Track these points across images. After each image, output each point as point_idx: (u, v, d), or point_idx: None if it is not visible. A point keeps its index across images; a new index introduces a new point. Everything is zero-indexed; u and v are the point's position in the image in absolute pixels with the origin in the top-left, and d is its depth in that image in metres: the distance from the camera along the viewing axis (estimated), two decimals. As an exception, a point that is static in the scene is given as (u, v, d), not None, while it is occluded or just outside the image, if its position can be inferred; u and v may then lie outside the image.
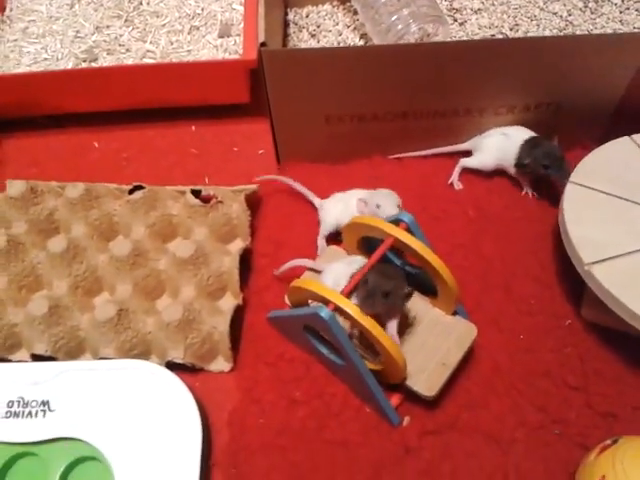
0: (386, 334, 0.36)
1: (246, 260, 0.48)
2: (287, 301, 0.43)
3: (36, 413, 0.41)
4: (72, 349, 0.44)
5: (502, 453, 0.39)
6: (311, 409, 0.41)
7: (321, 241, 0.47)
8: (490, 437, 0.39)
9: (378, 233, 0.40)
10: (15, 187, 0.50)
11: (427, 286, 0.42)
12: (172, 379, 0.42)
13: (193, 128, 0.58)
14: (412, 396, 0.40)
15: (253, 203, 0.51)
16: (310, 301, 0.41)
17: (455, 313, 0.42)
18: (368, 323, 0.36)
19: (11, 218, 0.50)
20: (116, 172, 0.54)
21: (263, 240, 0.49)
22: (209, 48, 0.59)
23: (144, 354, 0.44)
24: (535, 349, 0.42)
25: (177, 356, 0.43)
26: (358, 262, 0.41)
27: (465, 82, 0.48)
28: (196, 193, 0.49)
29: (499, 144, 0.50)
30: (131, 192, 0.51)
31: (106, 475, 0.40)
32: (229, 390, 0.43)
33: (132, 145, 0.57)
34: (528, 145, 0.49)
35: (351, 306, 0.36)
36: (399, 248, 0.40)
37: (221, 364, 0.44)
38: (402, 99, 0.49)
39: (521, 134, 0.50)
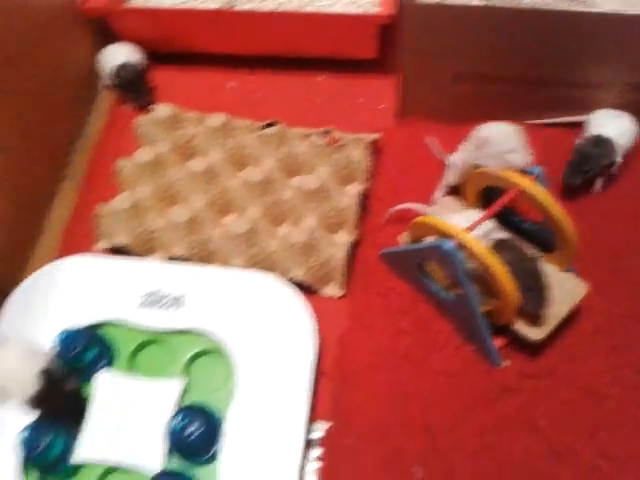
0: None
1: (363, 202, 0.52)
2: (402, 240, 0.47)
3: (170, 305, 0.47)
4: (204, 257, 0.49)
5: (596, 406, 0.41)
6: (416, 340, 0.44)
7: (440, 192, 0.50)
8: (586, 389, 0.41)
9: (505, 183, 0.42)
10: (162, 110, 0.56)
11: (542, 243, 0.44)
12: (293, 292, 0.46)
13: (321, 78, 0.62)
14: (514, 343, 0.43)
15: (374, 151, 0.54)
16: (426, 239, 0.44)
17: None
18: (490, 259, 0.38)
19: (156, 138, 0.55)
20: (249, 111, 0.59)
21: (381, 185, 0.52)
22: (344, 3, 0.63)
23: (268, 270, 0.48)
24: (638, 316, 0.44)
25: (297, 275, 0.48)
26: (474, 215, 0.43)
27: (595, 55, 0.48)
28: (323, 134, 0.53)
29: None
30: (264, 128, 0.55)
31: (226, 369, 0.45)
32: (339, 315, 0.47)
33: (264, 88, 0.61)
34: None
35: (475, 242, 0.39)
36: (519, 201, 0.43)
37: (334, 289, 0.48)
38: (529, 64, 0.50)
39: None
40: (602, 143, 0.48)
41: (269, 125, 0.55)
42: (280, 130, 0.54)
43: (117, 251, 0.51)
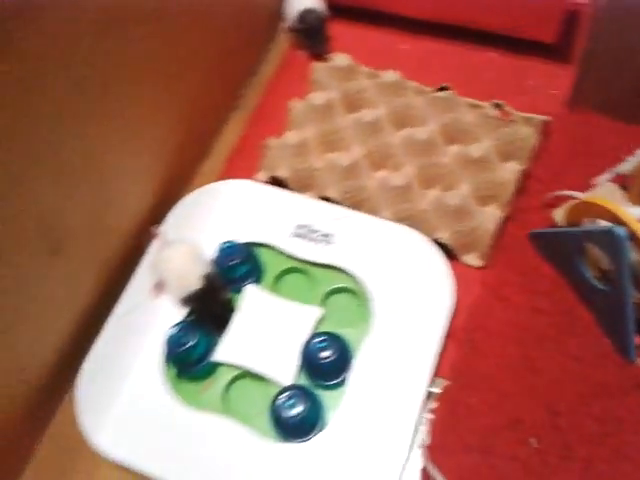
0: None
1: (520, 180, 0.52)
2: (556, 216, 0.47)
3: (319, 240, 0.50)
4: (355, 203, 0.52)
5: None
6: (554, 322, 0.45)
7: (607, 175, 0.49)
8: None
9: None
10: (339, 60, 0.59)
11: None
12: (437, 251, 0.49)
13: (493, 54, 0.62)
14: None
15: (541, 133, 0.54)
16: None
17: None
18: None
19: (329, 85, 0.58)
20: (416, 75, 0.60)
21: (541, 167, 0.52)
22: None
23: (414, 227, 0.50)
24: None
25: (443, 237, 0.49)
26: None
27: None
28: (495, 106, 0.54)
29: None
30: (436, 91, 0.56)
31: (362, 309, 0.48)
32: (474, 284, 0.48)
33: (434, 55, 0.62)
34: None
35: None
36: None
37: (474, 259, 0.50)
38: None
39: None
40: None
41: (441, 89, 0.56)
42: (450, 96, 0.55)
43: (275, 183, 0.55)
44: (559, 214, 0.48)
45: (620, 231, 0.38)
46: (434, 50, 0.63)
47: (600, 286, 0.43)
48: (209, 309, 0.48)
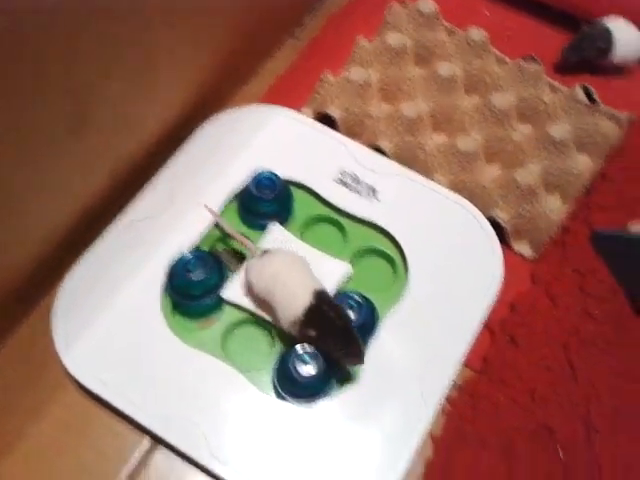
0: None
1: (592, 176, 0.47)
2: (633, 228, 0.42)
3: (362, 193, 0.45)
4: (409, 160, 0.46)
5: None
6: (603, 330, 0.41)
7: None
8: None
9: None
10: (424, 5, 0.53)
11: None
12: (490, 231, 0.43)
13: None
14: None
15: (625, 131, 0.49)
16: None
17: None
18: None
19: (404, 30, 0.53)
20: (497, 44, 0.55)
21: (616, 167, 0.47)
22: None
23: (471, 200, 0.44)
24: None
25: (501, 216, 0.44)
26: None
27: None
28: (584, 90, 0.49)
29: None
30: (524, 59, 0.51)
31: (395, 274, 0.43)
32: (521, 277, 0.44)
33: (516, 29, 0.57)
34: None
35: None
36: None
37: (527, 249, 0.45)
38: None
39: None
40: (603, 31, 0.52)
41: (532, 59, 0.51)
42: (536, 70, 0.50)
43: (321, 122, 0.49)
44: (637, 227, 0.43)
45: None
46: (516, 24, 0.57)
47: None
48: (330, 328, 0.37)
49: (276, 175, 0.43)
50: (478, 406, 0.38)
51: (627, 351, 0.40)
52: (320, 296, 0.37)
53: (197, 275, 0.40)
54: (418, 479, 0.37)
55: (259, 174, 0.43)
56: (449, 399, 0.39)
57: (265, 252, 0.39)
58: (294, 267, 0.38)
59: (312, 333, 0.36)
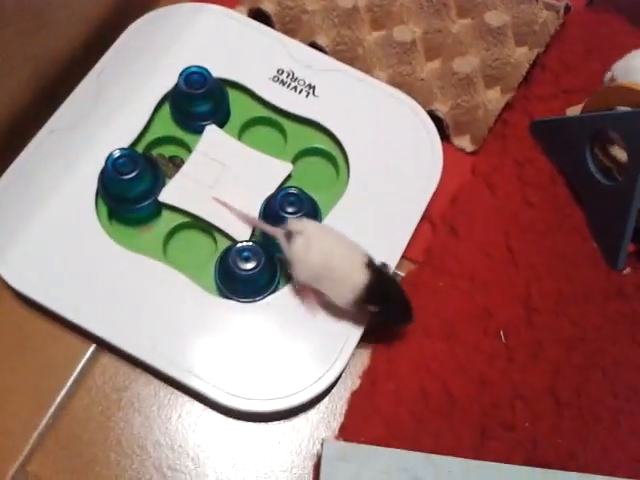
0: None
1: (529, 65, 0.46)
2: (571, 113, 0.43)
3: (300, 91, 0.43)
4: (348, 58, 0.45)
5: None
6: (543, 216, 0.41)
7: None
8: None
9: None
10: None
11: None
12: (429, 124, 0.43)
13: None
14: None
15: (561, 21, 0.47)
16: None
17: None
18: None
19: None
20: None
21: (553, 56, 0.47)
22: None
23: (410, 94, 0.43)
24: None
25: (440, 109, 0.43)
26: None
27: None
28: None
29: None
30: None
31: (337, 175, 0.42)
32: (462, 170, 0.44)
33: None
34: None
35: None
36: None
37: (467, 143, 0.45)
38: None
39: None
40: None
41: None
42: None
43: (257, 19, 0.46)
44: (574, 111, 0.43)
45: (649, 113, 0.34)
46: None
47: (604, 181, 0.39)
48: (390, 301, 0.35)
49: (206, 70, 0.41)
50: (420, 295, 0.39)
51: (566, 238, 0.41)
52: (372, 270, 0.34)
53: (129, 176, 0.38)
54: (364, 370, 0.38)
55: (187, 68, 0.41)
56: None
57: (292, 233, 0.35)
58: (335, 247, 0.35)
59: (373, 309, 0.35)
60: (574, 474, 0.33)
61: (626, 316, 0.38)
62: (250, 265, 0.36)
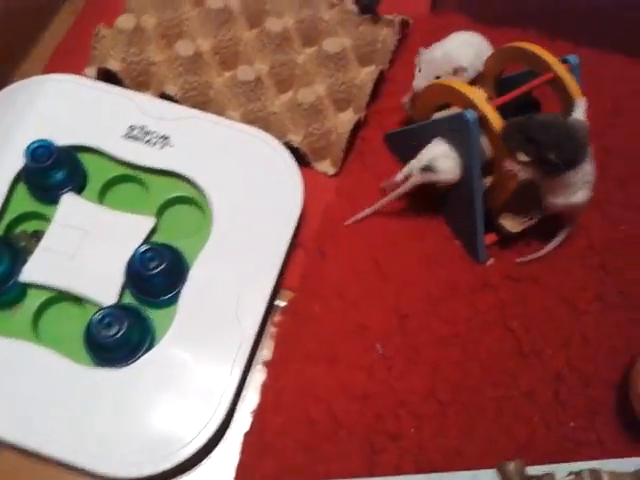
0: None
1: (377, 83, 0.48)
2: (407, 107, 0.44)
3: (154, 143, 0.44)
4: (200, 102, 0.46)
5: (572, 319, 0.40)
6: (405, 226, 0.43)
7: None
8: (565, 301, 0.40)
9: (538, 67, 0.38)
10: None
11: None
12: (286, 155, 0.43)
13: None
14: (502, 245, 0.42)
15: (402, 34, 0.50)
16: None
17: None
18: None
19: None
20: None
21: (399, 68, 0.49)
22: None
23: (264, 129, 0.44)
24: (635, 242, 0.42)
25: (295, 140, 0.45)
26: None
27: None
28: (355, 2, 0.49)
29: None
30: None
31: (202, 218, 0.43)
32: (327, 193, 0.45)
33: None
34: None
35: (493, 114, 0.35)
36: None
37: (327, 166, 0.46)
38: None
39: None
40: None
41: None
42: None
43: (106, 79, 0.47)
44: (407, 102, 0.45)
45: (469, 114, 0.35)
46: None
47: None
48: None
49: (49, 142, 0.41)
50: (299, 322, 0.39)
51: (429, 242, 0.42)
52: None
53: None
54: (254, 408, 0.38)
55: (29, 145, 0.40)
56: (276, 323, 0.41)
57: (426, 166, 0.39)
58: None
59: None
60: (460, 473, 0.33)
61: (494, 305, 0.40)
62: (113, 330, 0.36)
